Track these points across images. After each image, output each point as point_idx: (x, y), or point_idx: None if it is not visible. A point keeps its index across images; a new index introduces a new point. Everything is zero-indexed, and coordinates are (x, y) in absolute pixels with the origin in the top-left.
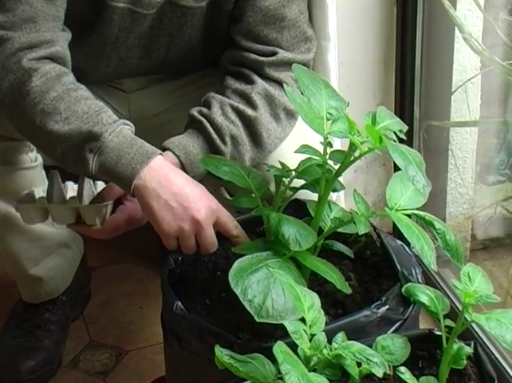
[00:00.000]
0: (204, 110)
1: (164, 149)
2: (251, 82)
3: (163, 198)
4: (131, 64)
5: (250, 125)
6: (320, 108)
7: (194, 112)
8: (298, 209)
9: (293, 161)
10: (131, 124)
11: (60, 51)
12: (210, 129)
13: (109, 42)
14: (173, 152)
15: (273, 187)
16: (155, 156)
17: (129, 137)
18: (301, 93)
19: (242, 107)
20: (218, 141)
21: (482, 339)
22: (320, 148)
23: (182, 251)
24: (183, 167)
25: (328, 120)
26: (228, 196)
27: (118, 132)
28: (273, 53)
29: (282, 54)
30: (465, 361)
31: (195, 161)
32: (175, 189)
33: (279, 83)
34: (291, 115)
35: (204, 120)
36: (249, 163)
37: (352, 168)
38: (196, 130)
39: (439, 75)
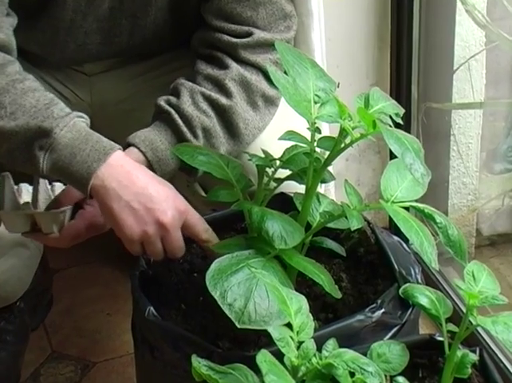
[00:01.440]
0: (172, 99)
1: (129, 145)
2: (225, 67)
3: (124, 199)
4: (90, 50)
5: (224, 115)
6: (306, 90)
7: (162, 101)
8: (283, 202)
9: (277, 149)
10: (86, 117)
11: (3, 38)
12: (180, 121)
13: (63, 27)
14: (138, 149)
15: (255, 179)
16: (114, 152)
17: (84, 131)
18: (285, 74)
19: (215, 95)
20: (188, 134)
21: (488, 345)
22: (308, 135)
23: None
24: (150, 165)
25: (315, 103)
26: (203, 193)
27: (71, 126)
28: (249, 34)
29: (258, 35)
30: (469, 370)
31: (164, 158)
32: (138, 189)
33: (256, 67)
34: (270, 102)
35: (172, 111)
36: None
37: (343, 157)
38: (164, 122)
39: (439, 52)
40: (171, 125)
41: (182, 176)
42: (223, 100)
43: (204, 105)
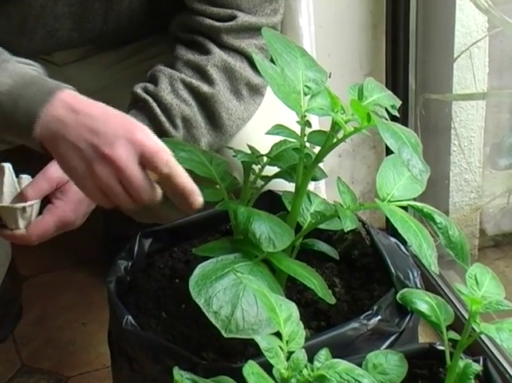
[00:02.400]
0: (150, 87)
1: None
2: (206, 52)
3: (70, 140)
4: (61, 38)
5: (205, 104)
6: (296, 81)
7: (138, 89)
8: (271, 202)
9: (265, 145)
10: (38, 65)
11: None
12: (158, 110)
13: (32, 13)
14: None
15: (240, 177)
16: (62, 91)
17: (28, 76)
18: (272, 63)
19: (196, 82)
20: (166, 124)
21: (492, 354)
22: (297, 129)
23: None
24: None
25: (305, 94)
26: None
27: (11, 71)
28: (232, 17)
29: (243, 18)
30: (473, 381)
31: None
32: (83, 126)
33: (240, 53)
34: (255, 91)
35: (150, 99)
36: (206, 149)
37: (335, 152)
38: (140, 111)
39: (438, 39)
40: (148, 114)
41: None
42: (205, 87)
43: (184, 93)
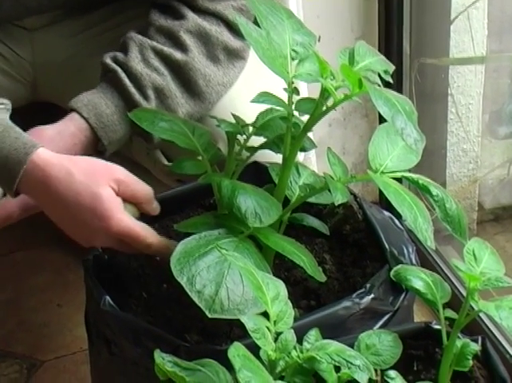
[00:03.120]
0: (120, 56)
1: (72, 110)
2: (180, 17)
3: (53, 215)
4: (30, 4)
5: (179, 72)
6: (282, 45)
7: (108, 59)
8: (257, 174)
9: (250, 113)
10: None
11: None
12: (127, 81)
13: None
14: (80, 114)
15: (225, 148)
16: (35, 151)
17: (1, 127)
18: (256, 25)
19: (168, 50)
20: (137, 96)
21: (492, 333)
22: (284, 96)
23: None
24: (95, 133)
25: (293, 59)
26: (165, 161)
27: None
28: None
29: None
30: (471, 361)
31: (110, 124)
32: (57, 214)
33: (217, 16)
34: (234, 55)
35: (119, 70)
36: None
37: (325, 121)
38: (110, 83)
39: None
40: (117, 86)
41: (140, 143)
42: (178, 55)
43: (155, 62)
